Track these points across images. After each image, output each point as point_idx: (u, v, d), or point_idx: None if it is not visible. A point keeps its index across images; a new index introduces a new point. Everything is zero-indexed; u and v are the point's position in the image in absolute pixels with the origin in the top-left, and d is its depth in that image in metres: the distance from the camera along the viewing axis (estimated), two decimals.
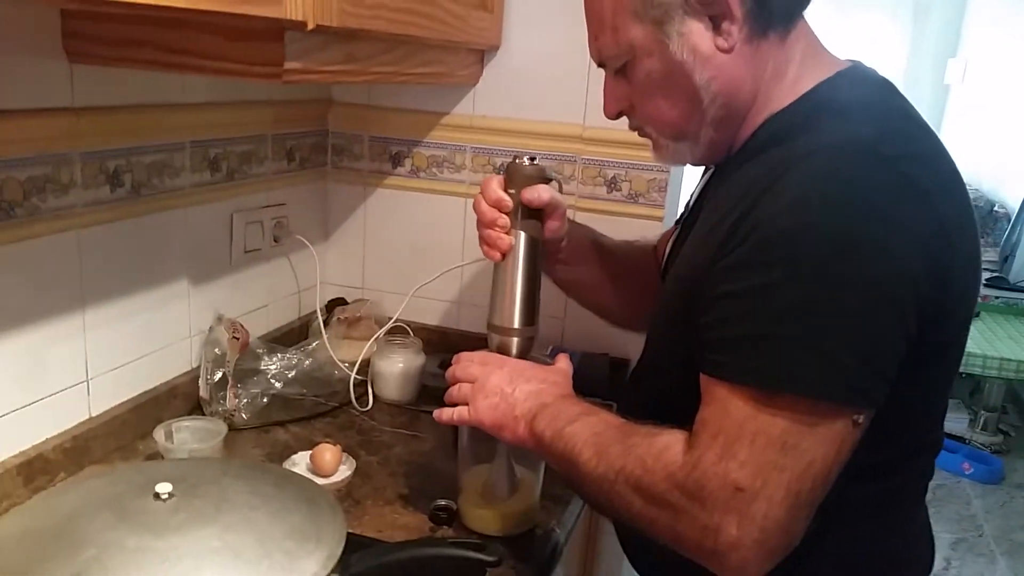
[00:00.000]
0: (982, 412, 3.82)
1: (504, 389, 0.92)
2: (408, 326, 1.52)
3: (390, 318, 1.50)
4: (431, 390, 1.37)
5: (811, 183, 0.72)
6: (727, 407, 0.73)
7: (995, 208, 4.54)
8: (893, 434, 0.77)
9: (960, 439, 3.75)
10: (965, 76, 5.71)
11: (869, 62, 0.87)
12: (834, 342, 0.69)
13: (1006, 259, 4.42)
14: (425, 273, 1.57)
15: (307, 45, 0.94)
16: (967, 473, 3.53)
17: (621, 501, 0.79)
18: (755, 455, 0.70)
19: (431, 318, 1.61)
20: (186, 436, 1.15)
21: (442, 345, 1.54)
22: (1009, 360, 3.49)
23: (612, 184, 1.48)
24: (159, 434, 1.12)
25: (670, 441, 0.77)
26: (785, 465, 0.70)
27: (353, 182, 1.62)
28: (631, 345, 1.43)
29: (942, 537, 3.05)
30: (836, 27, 5.52)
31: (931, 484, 0.91)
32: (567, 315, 1.54)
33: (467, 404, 0.93)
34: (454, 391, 0.95)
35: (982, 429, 3.82)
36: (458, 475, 1.06)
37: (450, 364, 0.98)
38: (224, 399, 1.25)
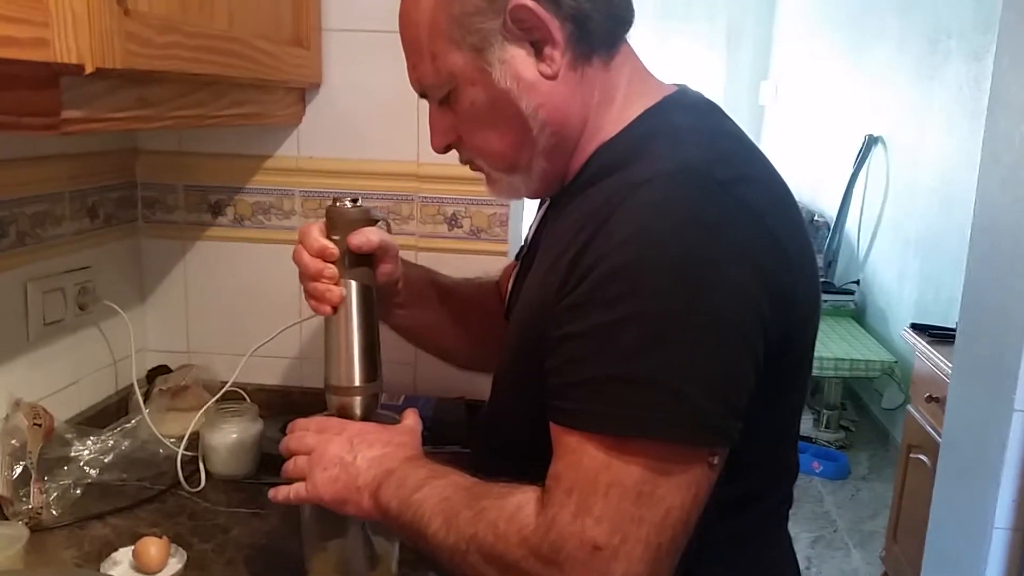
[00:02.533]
0: (824, 411, 4.04)
1: (344, 458, 0.83)
2: (243, 389, 1.39)
3: (223, 383, 1.37)
4: (273, 459, 1.24)
5: (647, 213, 0.69)
6: (580, 458, 0.68)
7: (815, 218, 4.85)
8: (750, 465, 0.74)
9: (807, 439, 3.94)
10: (777, 96, 6.13)
11: (691, 87, 0.86)
12: (682, 380, 0.66)
13: (829, 264, 4.73)
14: (259, 329, 1.45)
15: (89, 91, 0.83)
16: (817, 471, 3.70)
17: (474, 572, 0.72)
18: (610, 509, 0.66)
19: (270, 378, 1.49)
20: None
21: (284, 406, 1.43)
22: (843, 359, 3.71)
23: (453, 221, 1.43)
24: None
25: (522, 501, 0.71)
26: (643, 517, 0.66)
27: (169, 236, 1.48)
28: (487, 386, 1.37)
29: (801, 537, 3.16)
30: (658, 56, 5.81)
31: None
32: (418, 360, 1.47)
33: (304, 479, 0.84)
34: (290, 465, 0.86)
35: (826, 427, 4.03)
36: (305, 558, 0.95)
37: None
38: (28, 496, 1.09)
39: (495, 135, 0.82)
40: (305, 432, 0.86)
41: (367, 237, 0.89)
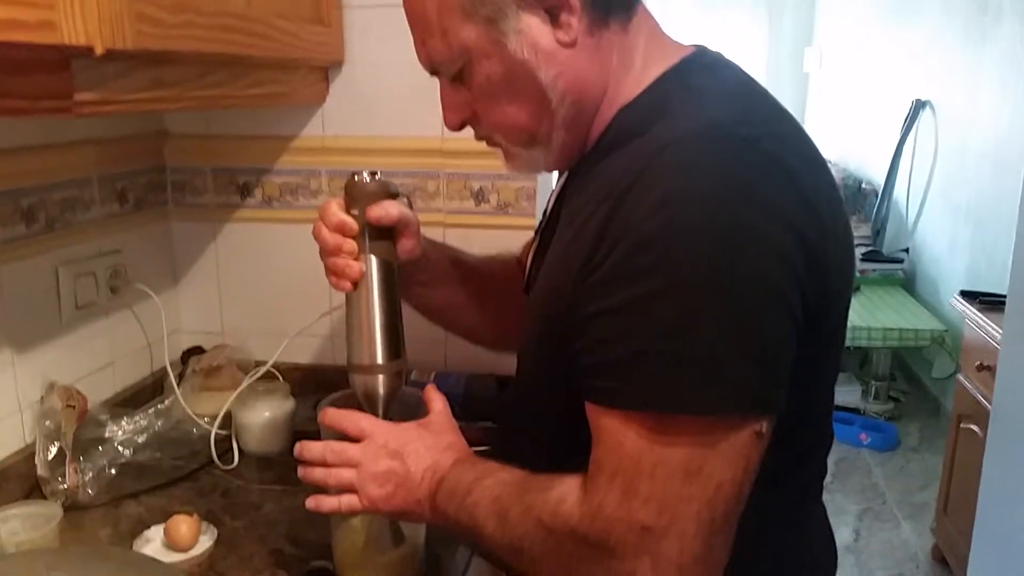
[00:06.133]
0: (872, 382, 3.95)
1: (398, 473, 0.82)
2: (276, 368, 1.40)
3: (256, 362, 1.38)
4: (307, 437, 1.25)
5: (673, 177, 0.66)
6: (621, 441, 0.66)
7: (863, 185, 4.73)
8: (788, 437, 0.71)
9: (855, 410, 3.86)
10: (822, 63, 5.96)
11: (733, 56, 0.82)
12: (723, 350, 0.63)
13: (878, 232, 4.61)
14: (291, 309, 1.46)
15: (102, 73, 0.83)
16: (864, 443, 3.62)
17: (534, 568, 0.72)
18: (657, 489, 0.64)
19: (302, 356, 1.50)
20: (16, 526, 1.01)
21: (317, 385, 1.43)
22: (892, 329, 3.62)
23: (479, 196, 1.41)
24: None
25: (563, 493, 0.70)
26: (692, 495, 0.64)
27: (199, 219, 1.49)
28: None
29: (849, 509, 3.11)
30: (700, 25, 5.69)
31: (833, 458, 0.86)
32: (448, 337, 1.46)
33: (352, 491, 0.83)
34: (330, 478, 0.84)
35: (874, 398, 3.94)
36: (331, 532, 0.95)
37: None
38: (63, 477, 1.11)
39: (513, 109, 0.79)
40: (343, 449, 0.84)
41: (386, 210, 0.88)
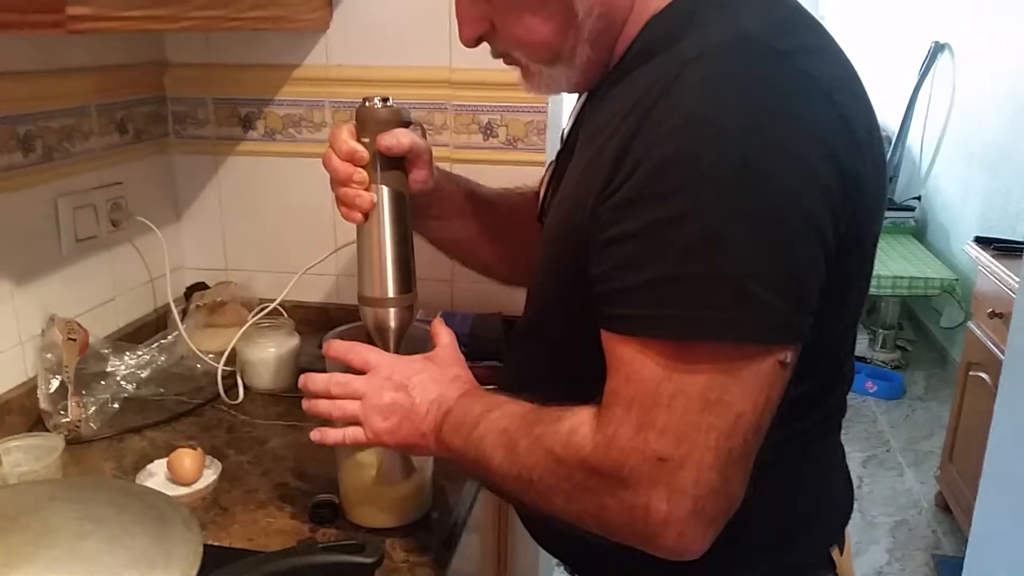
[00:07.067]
0: (880, 330, 3.93)
1: (403, 405, 0.80)
2: (280, 306, 1.37)
3: (261, 299, 1.36)
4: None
5: (700, 92, 0.62)
6: (638, 369, 0.63)
7: None
8: (811, 367, 0.68)
9: (861, 359, 3.85)
10: (839, 5, 5.82)
11: None
12: (748, 274, 0.60)
13: (890, 180, 4.54)
14: (296, 245, 1.44)
15: None
16: (871, 391, 3.62)
17: (542, 500, 0.70)
18: (675, 419, 0.61)
19: (307, 295, 1.47)
20: (19, 457, 0.99)
21: (322, 323, 1.41)
22: (901, 277, 3.58)
23: (487, 130, 1.37)
24: None
25: (575, 423, 0.67)
26: (711, 424, 0.61)
27: (201, 152, 1.45)
28: None
29: (853, 456, 3.12)
30: None
31: None
32: (454, 276, 1.44)
33: (357, 424, 0.81)
34: (334, 410, 0.82)
35: (881, 347, 3.93)
36: (337, 466, 0.94)
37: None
38: (66, 410, 1.09)
39: (536, 21, 0.74)
40: (347, 381, 0.82)
41: (397, 139, 0.84)
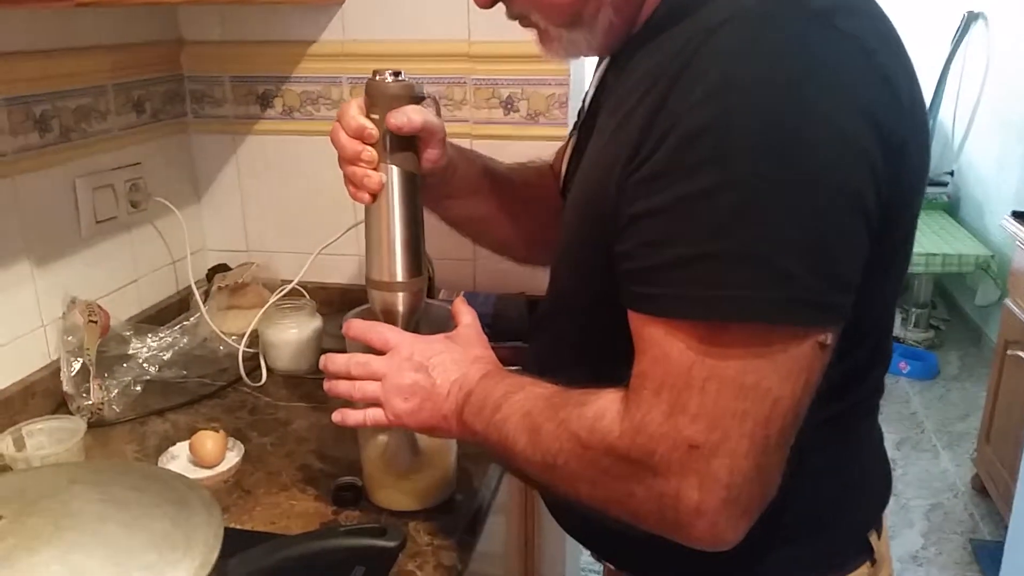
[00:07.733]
0: (913, 309, 3.85)
1: (424, 387, 0.77)
2: (302, 287, 1.36)
3: (283, 281, 1.34)
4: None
5: (733, 56, 0.58)
6: (668, 351, 0.59)
7: None
8: (850, 347, 0.64)
9: (895, 338, 3.77)
10: None
11: None
12: (784, 251, 0.56)
13: None
14: (316, 225, 1.42)
15: None
16: (904, 372, 3.56)
17: (567, 486, 0.67)
18: (708, 404, 0.58)
19: (329, 275, 1.46)
20: (42, 440, 0.99)
21: (344, 305, 1.39)
22: (934, 255, 3.50)
23: (508, 105, 1.34)
24: (5, 441, 0.96)
25: (602, 408, 0.64)
26: (747, 411, 0.58)
27: (219, 131, 1.43)
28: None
29: (887, 438, 3.03)
30: None
31: None
32: (476, 256, 1.41)
33: (378, 405, 0.79)
34: (355, 391, 0.80)
35: (914, 326, 3.85)
36: (360, 448, 0.92)
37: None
38: (88, 393, 1.09)
39: None
40: (367, 361, 0.80)
41: (408, 117, 0.80)
